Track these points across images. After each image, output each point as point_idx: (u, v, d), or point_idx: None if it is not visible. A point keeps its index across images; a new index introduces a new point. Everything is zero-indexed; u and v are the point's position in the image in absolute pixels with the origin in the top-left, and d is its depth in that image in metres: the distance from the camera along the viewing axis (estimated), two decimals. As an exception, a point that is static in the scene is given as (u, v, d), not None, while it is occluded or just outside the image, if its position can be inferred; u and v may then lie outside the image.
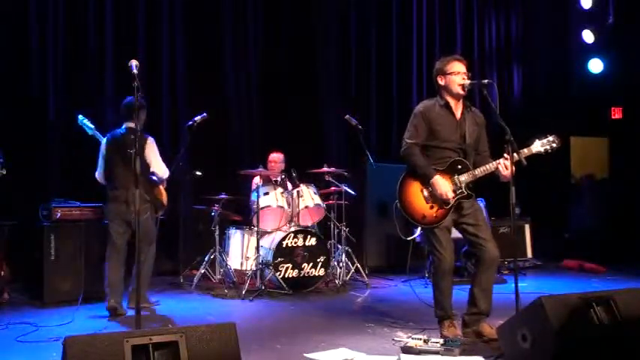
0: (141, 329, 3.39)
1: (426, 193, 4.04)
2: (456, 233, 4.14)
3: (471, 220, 4.05)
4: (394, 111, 8.77)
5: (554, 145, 3.96)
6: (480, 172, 4.02)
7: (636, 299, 3.20)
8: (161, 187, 5.23)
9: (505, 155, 3.93)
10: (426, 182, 4.03)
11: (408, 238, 4.19)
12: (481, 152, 4.17)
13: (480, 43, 9.48)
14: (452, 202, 4.00)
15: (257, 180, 6.50)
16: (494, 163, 3.99)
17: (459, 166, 4.04)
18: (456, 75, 4.04)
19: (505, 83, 9.63)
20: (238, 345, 2.65)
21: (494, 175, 4.03)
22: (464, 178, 4.02)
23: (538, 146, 3.97)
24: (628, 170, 8.73)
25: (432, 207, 4.02)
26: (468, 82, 4.03)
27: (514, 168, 3.85)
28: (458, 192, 4.02)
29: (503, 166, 3.93)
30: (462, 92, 4.05)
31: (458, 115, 4.11)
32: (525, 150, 3.96)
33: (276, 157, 6.87)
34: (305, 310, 5.33)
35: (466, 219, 4.06)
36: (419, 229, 4.11)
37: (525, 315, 3.19)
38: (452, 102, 4.10)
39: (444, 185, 3.99)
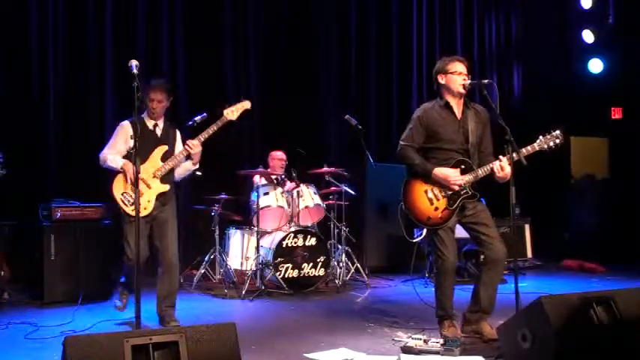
0: (141, 329, 3.39)
1: (430, 194, 4.04)
2: (457, 233, 4.14)
3: (475, 219, 4.05)
4: (394, 111, 8.77)
5: (557, 140, 3.92)
6: (481, 172, 4.01)
7: (636, 299, 3.20)
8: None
9: (500, 157, 3.93)
10: (428, 178, 4.02)
11: (413, 240, 4.19)
12: (484, 151, 4.15)
13: (480, 43, 9.48)
14: (461, 190, 3.98)
15: (257, 179, 6.50)
16: (493, 163, 3.97)
17: (463, 166, 4.03)
18: (457, 75, 4.03)
19: (505, 83, 9.63)
20: (238, 345, 2.65)
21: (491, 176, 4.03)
22: (467, 178, 4.01)
23: (542, 143, 3.93)
24: (628, 170, 8.73)
25: (436, 208, 4.01)
26: (468, 81, 4.03)
27: (513, 168, 3.84)
28: (462, 192, 4.01)
29: (498, 167, 3.92)
30: (462, 91, 4.05)
31: (459, 114, 4.11)
32: (529, 147, 3.93)
33: (280, 155, 6.87)
34: (305, 310, 5.33)
35: (470, 218, 4.06)
36: (424, 230, 4.10)
37: (525, 315, 3.19)
38: (452, 101, 4.10)
39: (446, 171, 3.97)
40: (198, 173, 6.49)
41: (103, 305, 5.31)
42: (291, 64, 8.14)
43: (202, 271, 6.34)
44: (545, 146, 3.94)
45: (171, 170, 4.55)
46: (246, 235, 6.45)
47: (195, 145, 4.49)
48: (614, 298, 3.13)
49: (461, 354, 3.60)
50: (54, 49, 6.75)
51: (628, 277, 6.75)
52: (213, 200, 6.51)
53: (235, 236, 6.54)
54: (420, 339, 3.74)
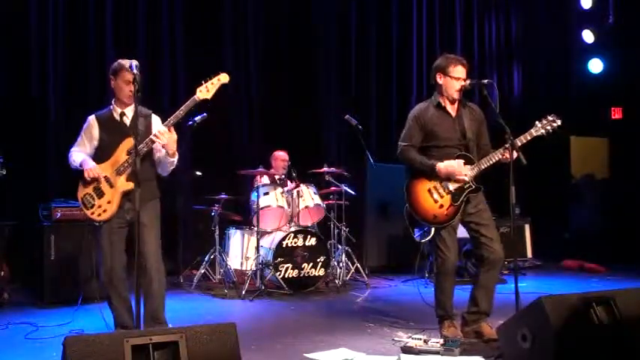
0: (141, 329, 3.39)
1: (434, 192, 4.04)
2: (458, 233, 4.14)
3: (476, 219, 4.05)
4: (394, 111, 8.77)
5: (554, 124, 3.93)
6: (484, 163, 4.00)
7: (636, 299, 3.20)
8: None
9: (506, 149, 3.91)
10: (432, 175, 4.01)
11: (422, 241, 4.16)
12: (483, 146, 4.17)
13: (480, 43, 9.48)
14: (467, 179, 3.97)
15: (260, 179, 6.51)
16: (496, 153, 3.97)
17: (464, 160, 4.04)
18: (456, 80, 4.04)
19: (505, 83, 9.63)
20: (238, 345, 2.65)
21: (496, 170, 4.03)
22: (470, 172, 4.02)
23: (539, 128, 3.93)
24: (628, 170, 8.73)
25: (441, 206, 4.01)
26: (467, 82, 4.03)
27: (513, 167, 3.85)
28: (466, 186, 4.02)
29: (503, 156, 3.93)
30: (456, 97, 4.08)
31: (453, 113, 4.12)
32: (527, 135, 3.93)
33: (284, 156, 6.84)
34: (305, 310, 5.33)
35: (472, 217, 4.06)
36: (432, 230, 4.08)
37: (525, 315, 3.19)
38: (446, 101, 4.11)
39: (451, 165, 3.96)
40: (198, 173, 6.51)
41: (102, 305, 5.30)
42: (291, 64, 8.14)
43: (202, 271, 6.34)
44: (543, 131, 3.93)
45: (143, 166, 3.86)
46: (246, 235, 6.45)
47: (163, 133, 3.82)
48: (614, 298, 3.13)
49: (461, 354, 3.60)
50: (54, 49, 6.75)
51: (628, 277, 6.75)
52: (213, 200, 6.51)
53: (235, 236, 6.54)
54: (420, 339, 3.74)
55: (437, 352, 3.61)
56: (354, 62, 8.61)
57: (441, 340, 3.72)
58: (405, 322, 4.64)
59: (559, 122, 3.94)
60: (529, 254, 7.62)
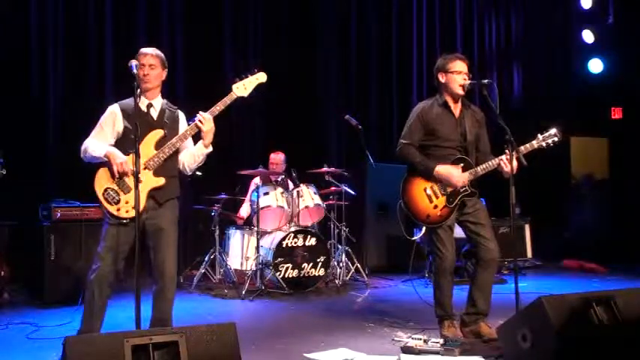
0: (141, 329, 3.38)
1: (429, 192, 4.04)
2: (456, 233, 4.15)
3: (473, 218, 4.05)
4: (394, 111, 8.77)
5: (555, 138, 3.95)
6: (481, 169, 4.02)
7: (636, 299, 3.20)
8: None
9: (506, 152, 3.93)
10: (429, 176, 4.02)
11: (413, 238, 4.19)
12: (482, 150, 4.17)
13: (479, 43, 9.48)
14: (460, 188, 3.98)
15: (256, 180, 6.50)
16: (495, 160, 3.99)
17: (462, 164, 4.04)
18: (458, 74, 4.04)
19: (505, 83, 9.63)
20: (238, 345, 2.65)
21: (495, 171, 4.03)
22: (466, 175, 4.02)
23: (540, 141, 3.96)
24: (628, 170, 8.73)
25: (435, 206, 4.02)
26: (468, 82, 4.04)
27: (513, 167, 3.86)
28: (462, 190, 4.02)
29: (505, 162, 3.93)
30: (461, 92, 4.06)
31: (457, 113, 4.12)
32: (527, 145, 3.96)
33: (276, 159, 6.84)
34: (305, 310, 5.33)
35: (468, 217, 4.06)
36: (423, 228, 4.10)
37: (525, 315, 3.19)
38: (451, 100, 4.11)
39: (450, 170, 3.98)
40: (199, 173, 6.51)
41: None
42: (291, 65, 8.13)
43: (202, 271, 6.34)
44: (544, 144, 3.96)
45: (170, 161, 3.71)
46: (246, 235, 6.45)
47: (207, 120, 3.62)
48: (614, 298, 3.13)
49: (461, 354, 3.60)
50: (54, 49, 6.75)
51: (628, 277, 6.75)
52: (213, 200, 6.51)
53: (235, 236, 6.54)
54: (420, 339, 3.74)
55: (437, 352, 3.61)
56: (354, 62, 8.61)
57: (441, 340, 3.72)
58: (405, 322, 4.64)
59: (560, 137, 3.95)
60: (529, 254, 7.62)
